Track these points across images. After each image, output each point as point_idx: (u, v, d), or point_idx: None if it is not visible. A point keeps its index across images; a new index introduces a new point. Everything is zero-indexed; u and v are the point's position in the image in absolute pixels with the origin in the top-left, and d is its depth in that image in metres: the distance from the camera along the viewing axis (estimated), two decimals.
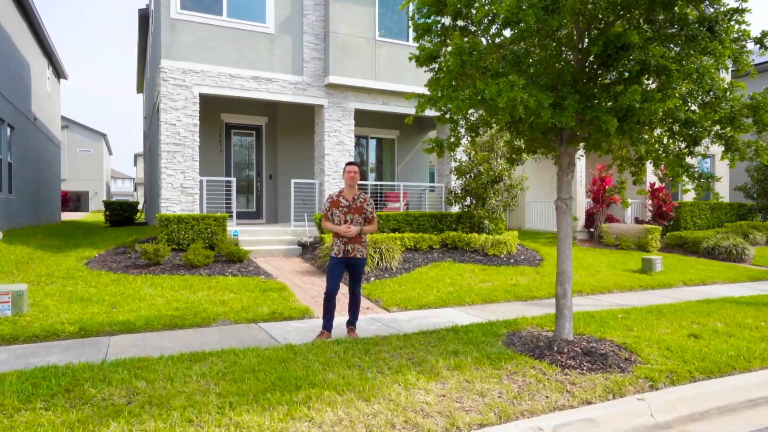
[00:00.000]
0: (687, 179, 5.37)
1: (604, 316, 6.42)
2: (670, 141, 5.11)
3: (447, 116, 4.42)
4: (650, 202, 15.45)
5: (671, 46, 4.66)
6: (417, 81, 10.09)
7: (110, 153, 55.27)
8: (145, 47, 18.18)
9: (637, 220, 16.09)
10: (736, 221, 16.34)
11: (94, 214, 34.90)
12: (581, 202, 14.85)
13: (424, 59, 4.37)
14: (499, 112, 3.73)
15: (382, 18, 12.42)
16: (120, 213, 17.47)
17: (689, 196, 17.54)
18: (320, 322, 5.76)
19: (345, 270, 5.52)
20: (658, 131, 5.36)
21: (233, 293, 7.27)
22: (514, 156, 5.40)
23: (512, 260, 10.75)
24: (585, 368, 4.41)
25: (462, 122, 4.71)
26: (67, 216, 28.29)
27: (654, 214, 15.33)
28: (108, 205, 17.55)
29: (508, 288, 8.33)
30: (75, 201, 44.55)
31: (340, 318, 6.01)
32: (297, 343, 5.03)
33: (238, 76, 11.03)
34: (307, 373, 4.07)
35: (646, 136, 4.72)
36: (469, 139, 5.19)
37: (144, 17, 16.51)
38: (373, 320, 6.38)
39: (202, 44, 10.70)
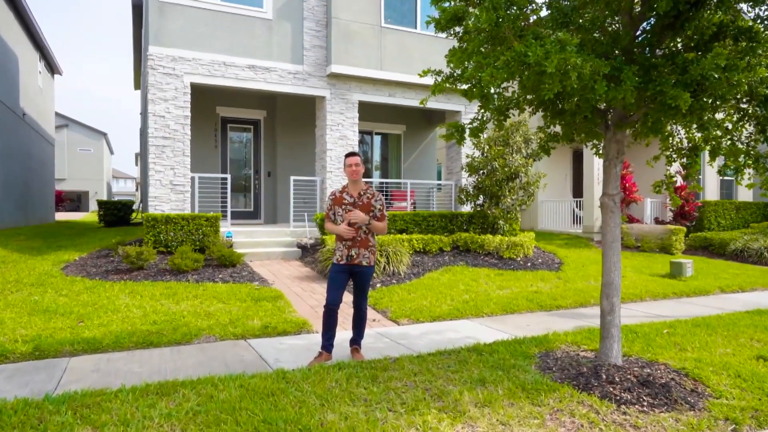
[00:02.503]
0: (755, 172, 4.54)
1: (647, 330, 5.56)
2: (738, 124, 4.26)
3: (475, 90, 3.58)
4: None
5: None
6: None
7: (111, 152, 54.58)
8: (139, 40, 17.36)
9: (657, 221, 15.17)
10: (762, 221, 15.42)
11: (93, 214, 34.15)
12: (599, 202, 13.95)
13: (446, 21, 3.53)
14: (546, 81, 2.88)
15: (388, 3, 11.56)
16: (114, 213, 16.64)
17: (712, 195, 16.62)
18: (319, 338, 4.91)
19: (348, 279, 4.68)
20: (719, 115, 4.51)
21: (222, 303, 6.43)
22: (549, 144, 4.54)
23: (530, 264, 9.89)
24: (645, 404, 3.55)
25: (495, 98, 3.86)
26: (63, 216, 27.54)
27: (676, 214, 14.42)
28: (102, 204, 16.72)
29: (529, 296, 7.48)
30: (74, 201, 43.84)
31: (343, 333, 5.16)
32: (290, 366, 4.20)
33: (233, 64, 10.20)
34: (301, 412, 3.23)
35: (718, 117, 3.87)
36: (496, 123, 4.35)
37: (137, 7, 15.68)
38: (380, 335, 5.54)
39: (193, 30, 9.87)
